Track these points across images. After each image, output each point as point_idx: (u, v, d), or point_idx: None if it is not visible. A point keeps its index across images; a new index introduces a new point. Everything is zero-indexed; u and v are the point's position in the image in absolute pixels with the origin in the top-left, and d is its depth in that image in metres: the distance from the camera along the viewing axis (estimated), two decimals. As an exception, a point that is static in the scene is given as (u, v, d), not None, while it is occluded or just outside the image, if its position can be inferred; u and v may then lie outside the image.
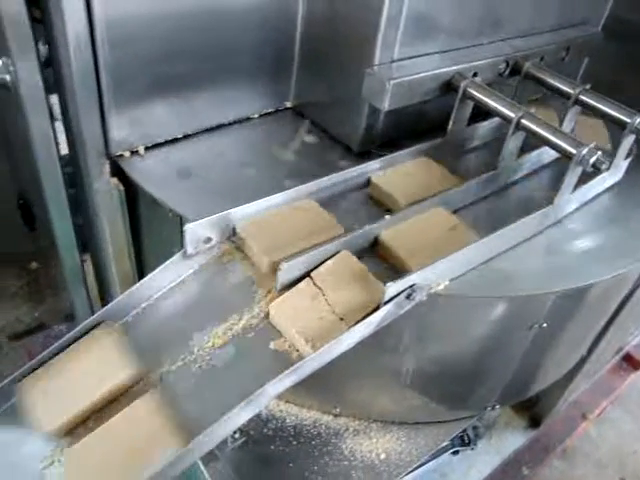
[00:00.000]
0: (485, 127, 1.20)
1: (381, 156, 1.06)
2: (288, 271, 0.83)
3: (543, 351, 1.16)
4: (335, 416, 1.23)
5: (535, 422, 1.72)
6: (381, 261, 0.93)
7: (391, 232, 0.93)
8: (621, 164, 1.12)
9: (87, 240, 1.31)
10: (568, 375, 1.46)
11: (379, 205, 1.03)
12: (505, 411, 1.72)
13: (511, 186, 1.12)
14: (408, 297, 0.82)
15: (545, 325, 1.04)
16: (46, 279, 2.32)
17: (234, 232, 0.92)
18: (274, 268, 0.85)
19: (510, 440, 1.69)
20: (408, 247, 0.90)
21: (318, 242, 0.89)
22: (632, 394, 2.22)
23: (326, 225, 0.94)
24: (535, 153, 1.13)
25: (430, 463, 1.52)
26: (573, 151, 0.94)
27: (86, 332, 0.88)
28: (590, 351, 1.40)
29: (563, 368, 1.40)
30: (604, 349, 1.44)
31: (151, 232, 1.18)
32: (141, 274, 1.27)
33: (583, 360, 1.43)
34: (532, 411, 1.72)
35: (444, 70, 1.05)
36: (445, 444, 1.47)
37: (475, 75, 1.08)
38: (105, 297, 1.38)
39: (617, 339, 1.59)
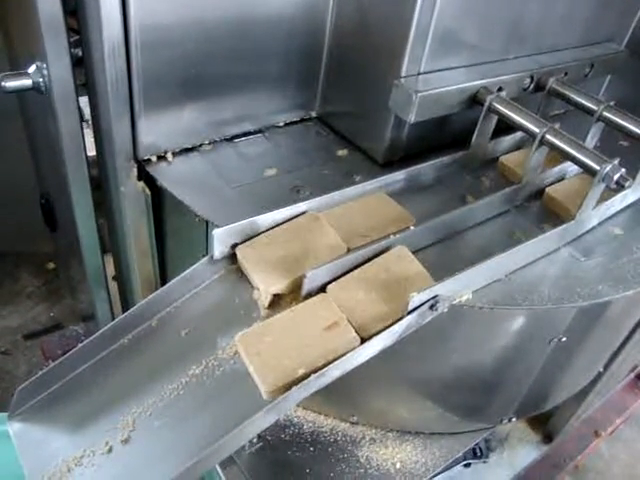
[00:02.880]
0: (507, 141, 1.20)
1: (404, 168, 1.07)
2: (313, 279, 0.84)
3: (561, 365, 1.16)
4: (352, 424, 1.24)
5: (548, 437, 1.71)
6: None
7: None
8: (644, 182, 1.12)
9: (108, 241, 1.33)
10: (582, 391, 1.46)
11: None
12: (518, 425, 1.71)
13: (533, 200, 1.13)
14: (431, 307, 0.83)
15: (564, 339, 1.04)
16: (63, 280, 2.35)
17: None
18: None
19: (522, 455, 1.67)
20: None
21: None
22: (647, 413, 2.21)
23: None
24: (557, 168, 1.14)
25: (442, 475, 1.51)
26: (597, 167, 0.94)
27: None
28: (605, 368, 1.40)
29: (580, 383, 1.39)
30: (619, 366, 1.44)
31: (175, 235, 1.20)
32: (163, 276, 1.29)
33: (598, 377, 1.42)
34: (545, 426, 1.71)
35: (470, 84, 1.06)
36: (457, 456, 1.47)
37: (500, 90, 1.09)
38: (127, 298, 1.39)
39: (632, 357, 1.58)
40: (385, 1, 1.01)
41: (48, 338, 2.14)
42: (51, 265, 2.49)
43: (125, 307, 1.45)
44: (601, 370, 1.39)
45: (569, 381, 1.31)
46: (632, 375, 2.01)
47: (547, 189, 1.10)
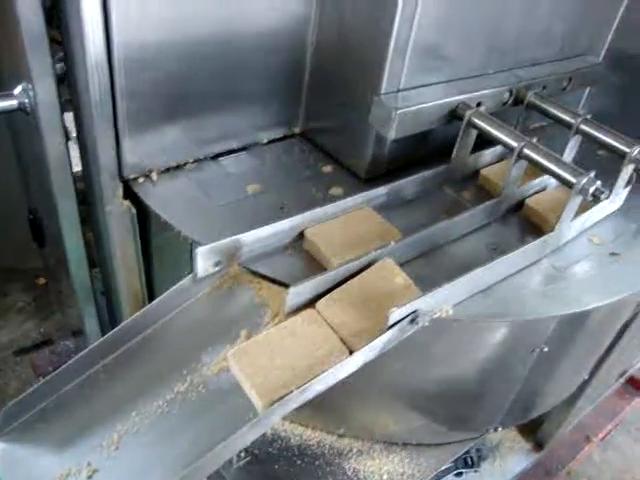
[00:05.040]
0: (488, 155, 1.22)
1: (387, 183, 1.09)
2: (296, 295, 0.85)
3: (545, 375, 1.18)
4: (339, 436, 1.24)
5: (539, 445, 1.72)
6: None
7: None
8: (621, 192, 1.14)
9: (95, 256, 1.33)
10: (571, 398, 1.47)
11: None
12: (509, 433, 1.72)
13: (513, 212, 1.15)
14: (412, 322, 0.84)
15: (546, 349, 1.06)
16: (53, 295, 2.34)
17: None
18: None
19: (514, 463, 1.68)
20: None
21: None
22: (637, 418, 2.22)
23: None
24: (537, 180, 1.15)
25: (433, 485, 1.52)
26: (573, 180, 0.96)
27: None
28: (592, 374, 1.41)
29: (564, 392, 1.40)
30: (607, 373, 1.45)
31: (161, 253, 1.21)
32: (150, 293, 1.29)
33: (586, 383, 1.43)
34: (536, 434, 1.72)
35: (449, 100, 1.07)
36: (448, 466, 1.48)
37: (479, 104, 1.10)
38: (115, 314, 1.40)
39: (620, 363, 1.59)
40: (365, 18, 1.03)
41: (38, 354, 2.13)
42: (41, 280, 2.49)
43: (112, 322, 1.45)
44: (585, 378, 1.40)
45: (553, 390, 1.33)
46: (622, 380, 2.02)
47: (527, 200, 1.12)
